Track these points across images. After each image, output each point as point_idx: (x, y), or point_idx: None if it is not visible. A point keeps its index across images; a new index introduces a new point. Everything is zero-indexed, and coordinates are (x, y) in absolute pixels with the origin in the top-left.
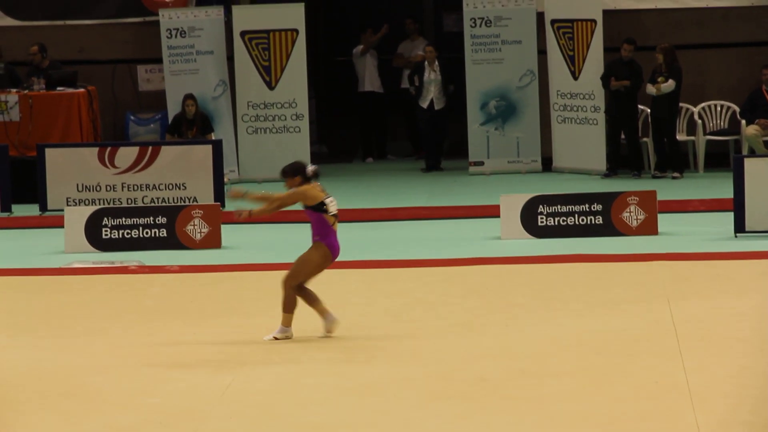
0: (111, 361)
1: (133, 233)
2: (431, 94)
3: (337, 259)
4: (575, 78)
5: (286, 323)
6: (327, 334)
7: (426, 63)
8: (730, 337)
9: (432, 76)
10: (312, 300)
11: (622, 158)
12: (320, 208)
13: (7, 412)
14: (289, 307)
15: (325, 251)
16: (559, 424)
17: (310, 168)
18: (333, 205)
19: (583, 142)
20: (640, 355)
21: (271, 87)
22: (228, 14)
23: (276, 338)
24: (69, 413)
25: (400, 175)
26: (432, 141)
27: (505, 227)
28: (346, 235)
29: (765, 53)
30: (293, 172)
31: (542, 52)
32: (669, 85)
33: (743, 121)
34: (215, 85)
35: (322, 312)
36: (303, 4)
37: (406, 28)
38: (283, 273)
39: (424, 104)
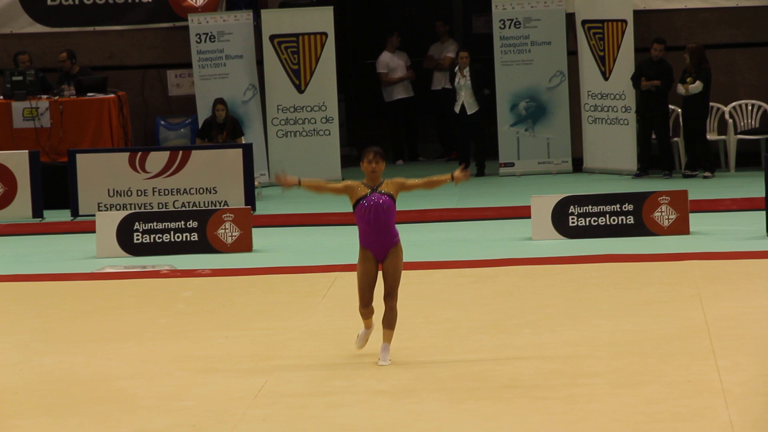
0: (143, 366)
1: (164, 237)
2: (462, 99)
3: None
4: (606, 78)
5: (387, 339)
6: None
7: (457, 68)
8: (764, 336)
9: (462, 81)
10: (371, 314)
11: (653, 158)
12: (395, 205)
13: (42, 417)
14: (392, 324)
15: (402, 248)
16: (592, 425)
17: None
18: None
19: (614, 143)
20: (673, 354)
21: (300, 90)
22: (257, 18)
23: (383, 362)
24: (102, 418)
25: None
26: (466, 145)
27: (536, 228)
28: None
29: None
30: (384, 156)
31: (572, 52)
32: (696, 86)
33: None
34: (245, 89)
35: (369, 325)
36: (332, 7)
37: (436, 30)
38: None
39: (456, 109)
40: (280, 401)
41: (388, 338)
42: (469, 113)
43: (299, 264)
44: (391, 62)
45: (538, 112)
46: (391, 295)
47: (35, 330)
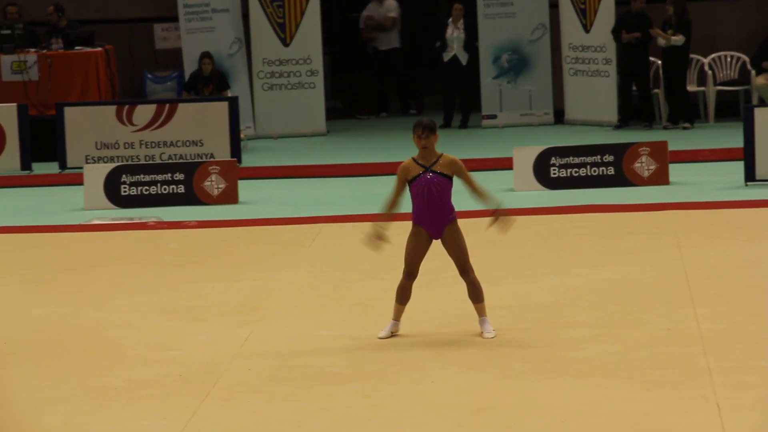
0: (132, 316)
1: (151, 189)
2: (454, 51)
3: (353, 213)
4: (587, 31)
5: (482, 312)
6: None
7: (450, 20)
8: (742, 284)
9: (455, 33)
10: (406, 300)
11: (634, 110)
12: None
13: (32, 367)
14: (479, 297)
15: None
16: (574, 372)
17: None
18: None
19: (595, 95)
20: (653, 303)
21: (285, 44)
22: None
23: (488, 334)
24: (91, 368)
25: None
26: (452, 96)
27: (518, 179)
28: (362, 189)
29: None
30: (435, 128)
31: (553, 5)
32: (678, 39)
33: (753, 72)
34: (231, 43)
35: (398, 314)
36: None
37: None
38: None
39: (446, 59)
40: (265, 351)
41: (481, 311)
42: (463, 64)
43: (285, 215)
44: (374, 12)
45: (521, 65)
46: (465, 271)
47: (24, 281)
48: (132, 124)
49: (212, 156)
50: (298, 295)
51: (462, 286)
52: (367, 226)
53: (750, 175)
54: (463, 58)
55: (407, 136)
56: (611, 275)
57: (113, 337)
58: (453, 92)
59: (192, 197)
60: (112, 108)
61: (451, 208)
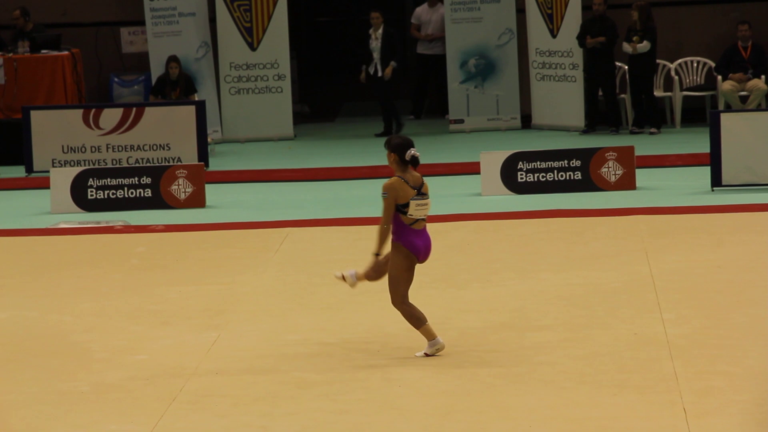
0: (98, 320)
1: (118, 193)
2: (375, 61)
3: (320, 218)
4: (554, 36)
5: (428, 336)
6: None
7: (371, 29)
8: (708, 289)
9: (374, 44)
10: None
11: (600, 115)
12: (399, 208)
13: None
14: (417, 323)
15: (404, 252)
16: (540, 377)
17: (410, 152)
18: (420, 210)
19: (562, 99)
20: (619, 308)
21: (253, 48)
22: None
23: (427, 354)
24: (58, 371)
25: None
26: (388, 107)
27: (485, 184)
28: (329, 193)
29: (740, 9)
30: (394, 148)
31: (520, 10)
32: (644, 45)
33: (719, 77)
34: (198, 47)
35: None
36: None
37: None
38: None
39: (371, 70)
40: (232, 355)
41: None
42: (379, 75)
43: (252, 220)
44: (424, 15)
45: (488, 70)
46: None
47: None
48: (99, 127)
49: (179, 160)
50: (265, 299)
51: (427, 291)
52: (332, 230)
53: (716, 181)
54: (382, 70)
55: (371, 140)
56: (578, 280)
57: (79, 341)
58: (382, 103)
59: (159, 201)
60: (79, 112)
61: (393, 230)
